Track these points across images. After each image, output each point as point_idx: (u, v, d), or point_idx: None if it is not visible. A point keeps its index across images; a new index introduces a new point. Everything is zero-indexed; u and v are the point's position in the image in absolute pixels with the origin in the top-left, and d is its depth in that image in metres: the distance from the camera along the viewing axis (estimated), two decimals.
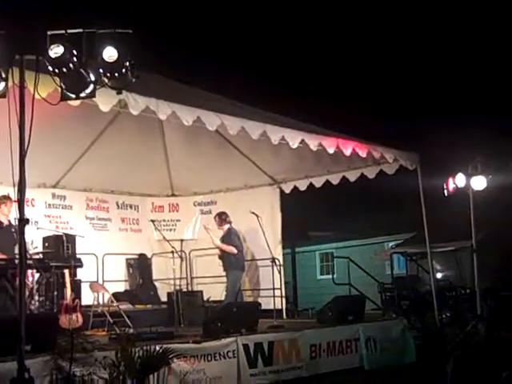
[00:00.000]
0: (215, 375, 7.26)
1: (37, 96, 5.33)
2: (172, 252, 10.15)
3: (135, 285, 12.34)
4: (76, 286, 9.61)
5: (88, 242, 11.48)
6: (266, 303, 10.60)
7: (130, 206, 13.06)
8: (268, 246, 10.45)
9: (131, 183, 12.65)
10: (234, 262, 10.71)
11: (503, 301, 11.71)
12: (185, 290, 11.83)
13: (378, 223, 22.13)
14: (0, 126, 5.10)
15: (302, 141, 9.02)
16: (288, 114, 10.11)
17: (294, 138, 8.90)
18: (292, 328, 8.85)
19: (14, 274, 7.64)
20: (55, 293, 8.83)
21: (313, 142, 9.16)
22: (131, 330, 8.38)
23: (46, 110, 5.45)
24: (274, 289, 10.71)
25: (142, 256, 12.61)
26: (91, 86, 5.53)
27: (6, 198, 9.00)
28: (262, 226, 10.52)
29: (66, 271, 8.94)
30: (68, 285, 8.81)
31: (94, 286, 10.36)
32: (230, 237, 10.78)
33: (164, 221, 13.04)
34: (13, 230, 8.80)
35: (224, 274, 10.88)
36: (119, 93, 5.99)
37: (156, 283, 12.49)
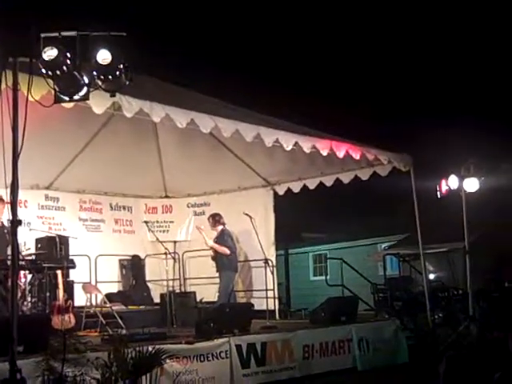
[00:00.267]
0: (208, 376, 7.28)
1: (30, 98, 5.34)
2: (165, 253, 10.17)
3: (128, 286, 12.34)
4: (69, 287, 9.61)
5: (81, 244, 11.47)
6: (259, 304, 10.63)
7: (124, 208, 13.06)
8: (261, 247, 10.48)
9: (125, 185, 12.66)
10: (227, 262, 10.74)
11: (495, 302, 11.76)
12: (178, 291, 11.84)
13: (371, 225, 22.18)
14: None
15: (296, 143, 9.04)
16: (282, 116, 10.15)
17: (287, 141, 8.92)
18: (285, 329, 8.88)
19: (7, 275, 7.65)
20: (48, 294, 8.82)
21: (306, 145, 9.19)
22: (124, 331, 8.41)
23: (39, 112, 5.46)
24: (266, 290, 10.75)
25: (136, 257, 12.61)
26: (85, 89, 5.55)
27: None
28: (255, 228, 10.55)
29: (59, 272, 8.95)
30: (61, 286, 8.82)
31: (87, 287, 10.36)
32: (223, 238, 10.82)
33: (157, 222, 13.05)
34: (5, 231, 8.78)
35: (217, 275, 10.91)
36: (113, 95, 6.01)
37: (149, 284, 12.49)
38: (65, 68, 5.23)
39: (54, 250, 10.14)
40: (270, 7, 21.82)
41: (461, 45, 21.70)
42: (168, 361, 6.55)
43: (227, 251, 10.69)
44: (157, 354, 6.28)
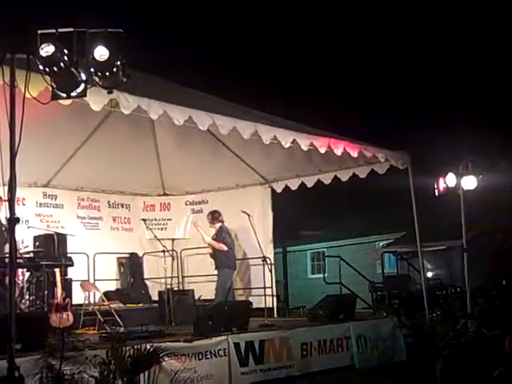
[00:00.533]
0: (206, 374, 7.28)
1: (27, 95, 5.32)
2: (163, 251, 10.17)
3: (126, 284, 12.33)
4: (67, 285, 9.58)
5: (79, 241, 11.47)
6: (258, 302, 10.65)
7: (122, 205, 13.04)
8: (259, 245, 10.47)
9: (123, 182, 12.65)
10: (225, 260, 10.73)
11: (493, 300, 11.77)
12: (176, 288, 11.85)
13: (369, 222, 22.21)
14: None
15: (294, 140, 9.03)
16: (279, 113, 10.14)
17: (285, 138, 8.92)
18: (283, 327, 8.87)
19: (4, 273, 7.63)
20: (46, 292, 8.81)
21: (304, 142, 9.18)
22: (122, 329, 8.40)
23: (36, 109, 5.45)
24: (265, 288, 10.75)
25: (134, 255, 12.59)
26: (82, 86, 5.52)
27: None
28: (253, 226, 10.54)
29: (57, 270, 8.93)
30: (59, 284, 8.79)
31: (85, 285, 10.35)
32: (221, 234, 10.82)
33: (155, 220, 13.03)
34: (3, 228, 8.78)
35: (215, 272, 10.91)
36: (110, 92, 5.99)
37: (147, 282, 12.47)
38: (62, 64, 5.21)
39: (52, 248, 10.14)
40: (267, 4, 21.81)
41: (459, 43, 21.71)
42: (166, 359, 6.55)
43: (224, 248, 10.69)
44: (155, 352, 6.28)
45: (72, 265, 9.64)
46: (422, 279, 10.92)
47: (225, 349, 7.56)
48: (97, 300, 10.51)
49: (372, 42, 23.10)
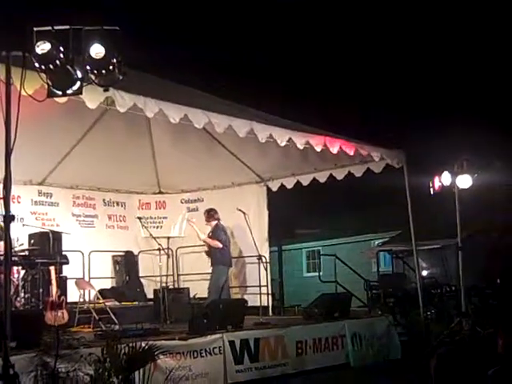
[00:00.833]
0: (201, 372, 7.29)
1: (23, 93, 5.31)
2: (159, 249, 10.16)
3: (121, 282, 12.33)
4: (62, 283, 9.58)
5: (74, 239, 11.46)
6: (253, 300, 10.66)
7: (117, 203, 13.03)
8: (255, 243, 10.48)
9: (118, 180, 12.63)
10: (220, 256, 10.74)
11: (488, 298, 11.81)
12: (171, 286, 11.84)
13: (365, 221, 22.24)
14: None
15: (290, 139, 9.04)
16: (275, 112, 10.14)
17: (281, 136, 8.92)
18: (278, 325, 8.89)
19: None
20: (41, 290, 8.81)
21: (300, 140, 9.18)
22: (117, 327, 8.39)
23: (32, 106, 5.43)
24: (260, 286, 10.77)
25: (129, 253, 12.59)
26: (78, 83, 5.50)
27: None
28: (248, 224, 10.55)
29: (52, 268, 8.93)
30: (54, 282, 8.79)
31: (80, 283, 10.34)
32: (216, 232, 10.83)
33: (151, 218, 13.02)
34: None
35: (210, 270, 10.90)
36: (106, 90, 5.97)
37: (142, 280, 12.48)
38: (58, 62, 5.19)
39: (47, 246, 10.11)
40: (265, 3, 21.81)
41: (454, 42, 21.74)
42: (161, 357, 6.57)
43: (219, 245, 10.69)
44: (150, 350, 6.28)
45: (67, 263, 9.63)
46: (417, 278, 10.94)
47: (220, 347, 7.58)
48: (92, 298, 10.50)
49: (369, 40, 23.13)
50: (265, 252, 11.82)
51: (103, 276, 12.01)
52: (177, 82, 10.27)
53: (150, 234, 10.58)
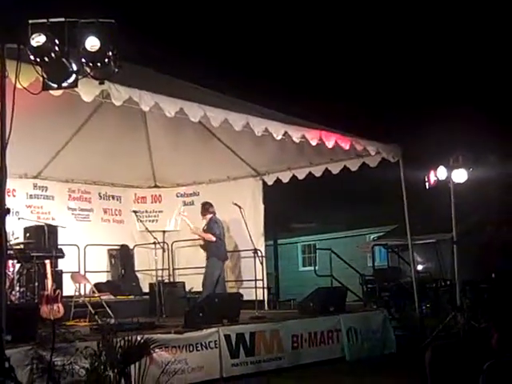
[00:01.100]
0: (197, 365, 7.30)
1: (18, 85, 5.28)
2: (154, 243, 10.15)
3: (117, 275, 12.32)
4: (57, 277, 9.58)
5: (70, 233, 11.44)
6: (248, 294, 10.66)
7: (113, 197, 13.00)
8: (250, 237, 10.47)
9: (114, 174, 12.61)
10: (215, 250, 10.75)
11: (483, 293, 11.84)
12: (167, 280, 11.86)
13: (360, 215, 22.26)
14: None
15: (285, 133, 9.03)
16: (271, 105, 10.13)
17: (277, 130, 8.91)
18: (274, 319, 8.89)
19: None
20: (36, 283, 8.80)
21: (296, 134, 9.17)
22: (113, 321, 8.38)
23: (27, 99, 5.41)
24: (256, 280, 10.78)
25: (124, 247, 12.58)
26: (73, 76, 5.49)
27: None
28: (244, 218, 10.53)
29: (48, 262, 8.92)
30: (49, 275, 8.78)
31: (76, 277, 10.33)
32: (210, 225, 10.83)
33: (146, 212, 13.01)
34: None
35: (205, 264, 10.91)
36: (102, 83, 5.96)
37: (138, 274, 12.47)
38: (53, 55, 5.18)
39: (43, 240, 10.10)
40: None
41: (450, 37, 21.74)
42: (157, 350, 6.56)
43: (212, 238, 10.69)
44: (146, 344, 6.27)
45: (63, 256, 9.62)
46: (412, 272, 10.96)
47: (215, 341, 7.58)
48: (87, 292, 10.50)
49: (365, 34, 23.11)
50: (260, 246, 11.82)
51: (99, 270, 11.99)
52: (172, 75, 10.25)
53: (146, 228, 10.57)
